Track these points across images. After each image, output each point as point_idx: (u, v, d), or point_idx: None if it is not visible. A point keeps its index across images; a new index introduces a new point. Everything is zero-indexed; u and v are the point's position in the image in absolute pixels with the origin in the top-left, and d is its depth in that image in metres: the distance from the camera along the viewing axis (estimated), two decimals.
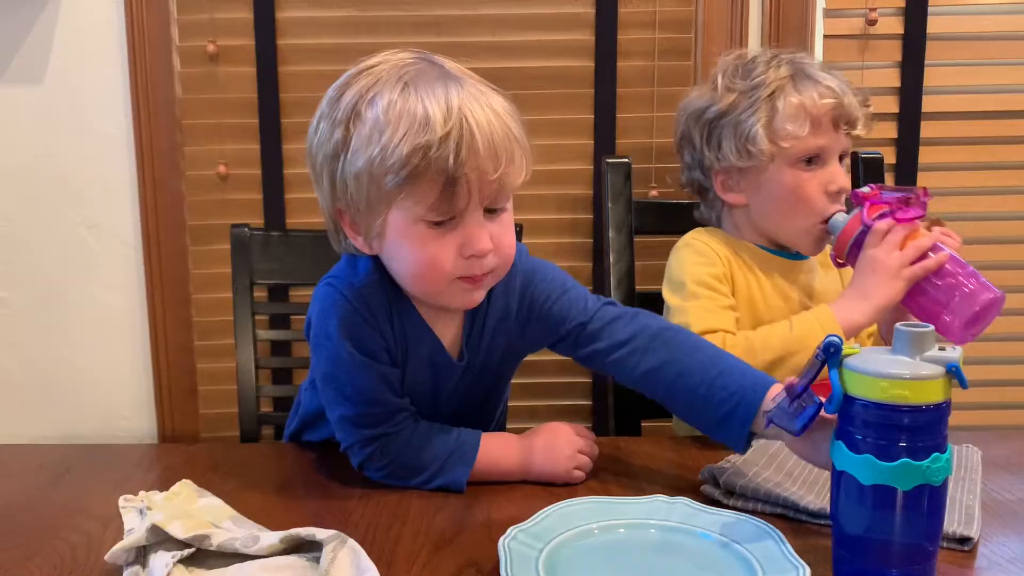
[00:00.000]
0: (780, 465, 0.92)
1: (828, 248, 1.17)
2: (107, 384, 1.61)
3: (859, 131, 1.17)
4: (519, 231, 1.41)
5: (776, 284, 1.19)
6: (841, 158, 1.17)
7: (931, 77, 1.56)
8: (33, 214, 1.55)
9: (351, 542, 0.72)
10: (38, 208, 1.55)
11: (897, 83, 1.56)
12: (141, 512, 0.82)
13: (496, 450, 0.95)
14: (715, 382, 0.89)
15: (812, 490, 0.87)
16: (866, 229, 1.07)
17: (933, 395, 0.68)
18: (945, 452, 0.69)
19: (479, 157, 0.83)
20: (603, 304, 0.99)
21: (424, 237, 0.86)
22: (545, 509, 0.80)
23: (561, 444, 0.95)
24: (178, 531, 0.74)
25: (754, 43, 1.54)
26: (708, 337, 1.04)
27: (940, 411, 0.69)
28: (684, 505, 0.82)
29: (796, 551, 0.72)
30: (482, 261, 0.88)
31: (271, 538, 0.73)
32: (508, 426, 1.41)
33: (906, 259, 1.03)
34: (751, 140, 1.14)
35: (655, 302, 1.35)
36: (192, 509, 0.81)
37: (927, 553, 0.71)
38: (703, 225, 1.27)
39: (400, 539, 0.81)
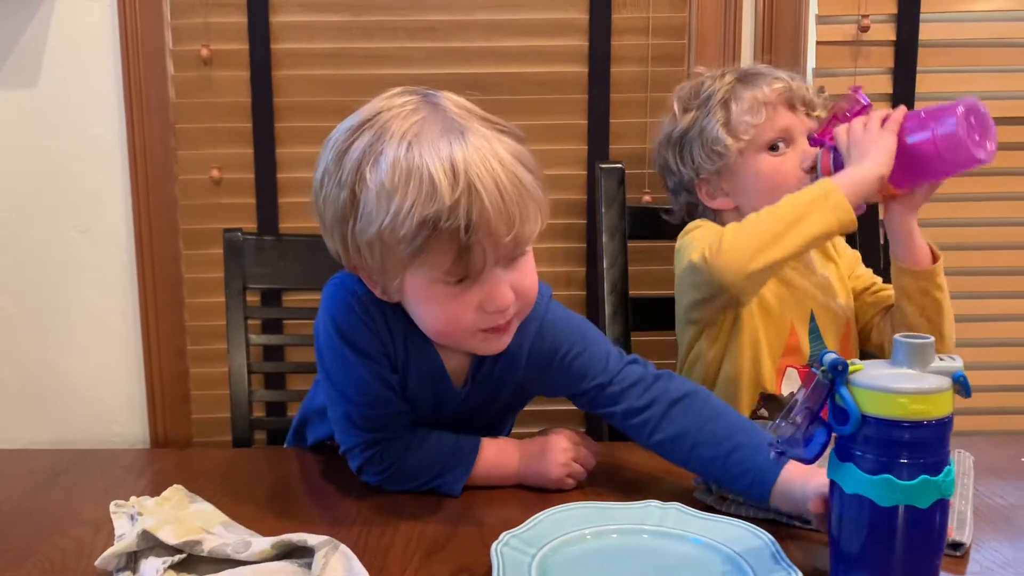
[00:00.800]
0: None
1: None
2: (99, 388, 1.60)
3: (819, 112, 1.21)
4: None
5: (780, 278, 1.20)
6: (809, 136, 1.21)
7: (923, 83, 1.57)
8: (26, 218, 1.55)
9: (343, 548, 0.71)
10: (31, 212, 1.55)
11: (890, 89, 1.57)
12: (132, 517, 0.81)
13: (494, 456, 0.95)
14: (729, 457, 0.87)
15: None
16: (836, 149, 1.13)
17: (945, 408, 0.66)
18: (951, 464, 0.68)
19: (491, 222, 0.80)
20: (626, 364, 0.96)
21: (443, 296, 0.84)
22: (538, 514, 0.80)
23: (556, 451, 0.95)
24: (169, 537, 0.73)
25: (747, 49, 1.54)
26: (717, 235, 1.08)
27: (949, 423, 0.67)
28: (677, 511, 0.82)
29: (788, 557, 0.72)
30: (504, 314, 0.86)
31: (263, 544, 0.73)
32: None
33: (878, 121, 1.08)
34: (716, 142, 1.19)
35: (649, 307, 1.35)
36: (183, 514, 0.81)
37: (934, 566, 0.69)
38: None
39: (392, 544, 0.81)
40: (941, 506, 0.67)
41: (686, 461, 0.91)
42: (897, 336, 0.69)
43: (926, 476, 0.66)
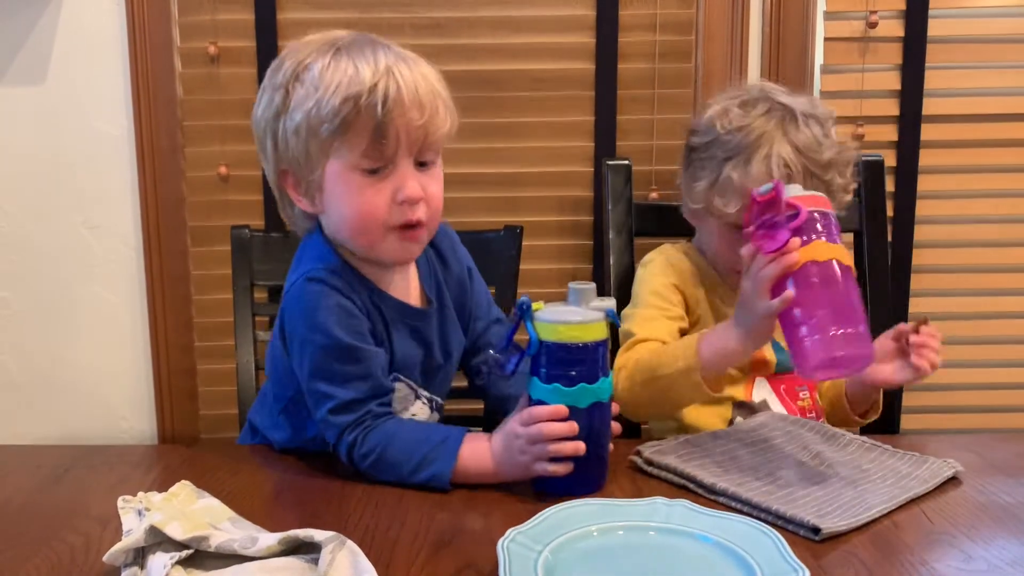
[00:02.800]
0: (696, 453, 0.97)
1: None
2: (107, 385, 1.61)
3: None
4: (519, 233, 1.41)
5: (728, 287, 1.20)
6: None
7: (932, 80, 1.56)
8: (34, 215, 1.56)
9: (350, 543, 0.72)
10: (39, 208, 1.55)
11: (897, 86, 1.56)
12: (140, 513, 0.82)
13: (475, 451, 0.93)
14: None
15: (711, 472, 0.92)
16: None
17: (596, 334, 0.88)
18: (608, 376, 0.90)
19: (404, 106, 0.91)
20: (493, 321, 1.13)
21: (359, 185, 0.93)
22: (544, 511, 0.80)
23: (513, 450, 0.91)
24: (176, 532, 0.74)
25: (755, 46, 1.54)
26: (637, 345, 1.11)
27: (603, 346, 0.89)
28: (683, 507, 0.82)
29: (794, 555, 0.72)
30: (414, 208, 0.95)
31: (269, 539, 0.73)
32: None
33: (760, 288, 0.92)
34: (693, 192, 1.16)
35: None
36: (190, 510, 0.81)
37: (600, 457, 0.91)
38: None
39: (399, 540, 0.81)
40: (598, 408, 0.89)
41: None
42: (571, 283, 0.91)
43: (584, 384, 0.88)
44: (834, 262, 0.89)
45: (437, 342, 1.05)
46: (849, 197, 1.15)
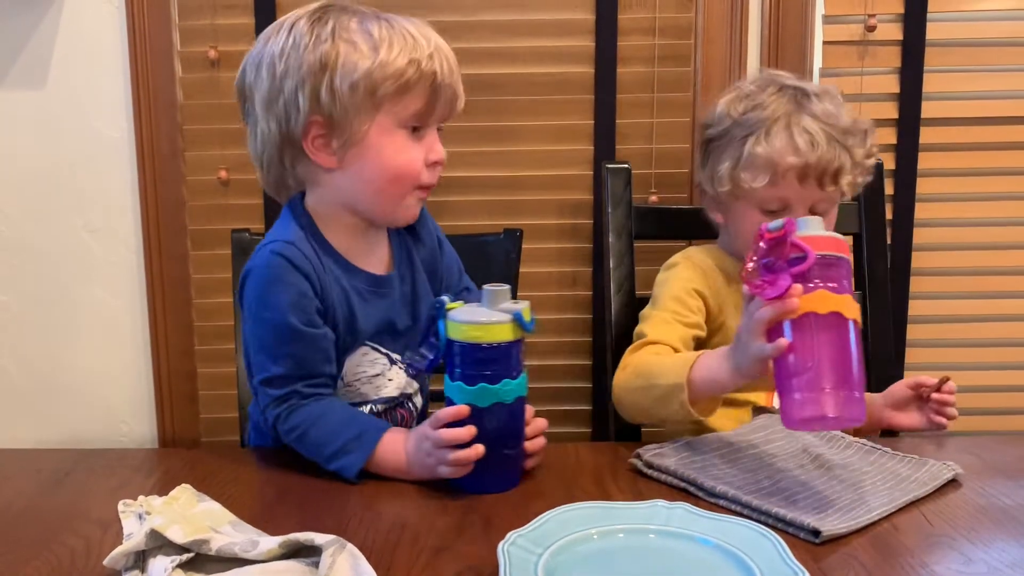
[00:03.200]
0: (696, 456, 0.97)
1: None
2: (107, 388, 1.61)
3: (844, 187, 1.13)
4: (519, 236, 1.41)
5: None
6: (819, 212, 1.12)
7: (930, 83, 1.57)
8: (35, 218, 1.56)
9: (350, 547, 0.72)
10: (40, 212, 1.56)
11: (896, 89, 1.57)
12: (140, 517, 0.82)
13: (391, 448, 0.95)
14: None
15: (711, 475, 0.92)
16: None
17: (501, 336, 0.89)
18: (516, 379, 0.91)
19: (454, 75, 1.01)
20: (463, 289, 1.17)
21: (404, 142, 1.00)
22: (544, 514, 0.80)
23: (422, 452, 0.93)
24: (177, 536, 0.74)
25: (753, 49, 1.54)
26: (646, 347, 1.11)
27: (509, 347, 0.90)
28: (683, 510, 0.82)
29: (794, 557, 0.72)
30: (436, 171, 1.03)
31: (270, 543, 0.73)
32: None
33: (755, 330, 0.88)
34: (717, 177, 1.16)
35: None
36: (191, 514, 0.81)
37: (506, 457, 0.92)
38: (707, 223, 1.29)
39: (399, 544, 0.81)
40: (501, 408, 0.90)
41: None
42: (484, 285, 0.92)
43: (485, 384, 0.89)
44: (838, 316, 0.83)
45: (403, 306, 1.08)
46: (872, 162, 1.17)
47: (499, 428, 0.92)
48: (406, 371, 1.08)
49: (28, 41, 1.51)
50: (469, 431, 0.90)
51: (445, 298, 0.92)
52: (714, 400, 1.00)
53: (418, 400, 1.13)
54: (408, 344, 1.09)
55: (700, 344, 1.17)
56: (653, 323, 1.15)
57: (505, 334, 0.90)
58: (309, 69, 0.97)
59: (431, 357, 0.95)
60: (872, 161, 1.17)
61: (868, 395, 1.14)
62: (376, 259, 1.08)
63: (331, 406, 1.00)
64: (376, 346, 1.07)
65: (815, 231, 0.87)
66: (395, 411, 1.10)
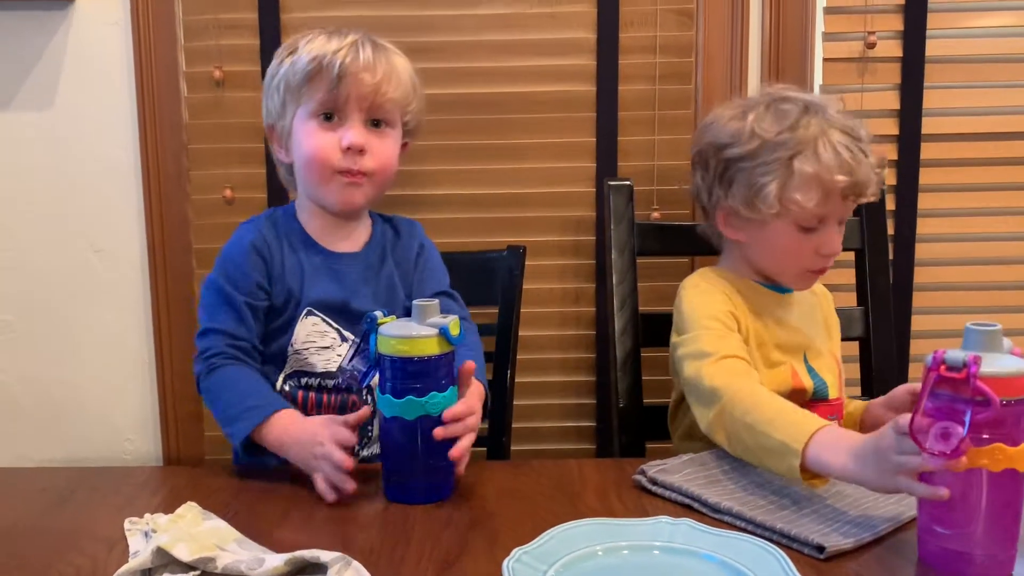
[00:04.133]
0: (700, 472, 0.98)
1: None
2: (112, 407, 1.61)
3: (869, 198, 1.16)
4: (522, 253, 1.42)
5: (771, 318, 1.20)
6: (841, 222, 1.17)
7: (930, 99, 1.57)
8: (40, 238, 1.57)
9: (355, 564, 0.72)
10: (45, 232, 1.57)
11: (896, 105, 1.58)
12: (146, 535, 0.82)
13: (281, 425, 1.02)
14: None
15: (715, 491, 0.92)
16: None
17: (426, 349, 0.93)
18: (444, 392, 0.94)
19: (358, 67, 1.12)
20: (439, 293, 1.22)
21: (315, 129, 1.14)
22: (549, 531, 0.80)
23: (311, 444, 0.98)
24: (183, 553, 0.74)
25: (754, 67, 1.55)
26: (726, 361, 1.06)
27: (436, 361, 0.93)
28: (688, 526, 0.82)
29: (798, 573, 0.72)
30: (358, 158, 1.14)
31: (276, 560, 0.73)
32: (512, 447, 1.42)
33: (908, 470, 0.79)
34: (761, 198, 1.13)
35: (658, 323, 1.36)
36: (197, 531, 0.81)
37: (434, 468, 0.95)
38: (706, 239, 1.29)
39: (404, 560, 0.81)
40: (426, 420, 0.93)
41: None
42: (414, 301, 0.96)
43: (412, 397, 0.93)
44: (1012, 473, 0.74)
45: (361, 286, 1.18)
46: (885, 173, 1.21)
47: (427, 440, 0.94)
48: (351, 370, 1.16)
49: (36, 63, 1.52)
50: (347, 462, 0.95)
51: (377, 313, 0.98)
52: (821, 478, 0.92)
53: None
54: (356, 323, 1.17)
55: None
56: (708, 339, 1.11)
57: (431, 348, 0.93)
58: (264, 84, 1.20)
59: (363, 369, 1.02)
60: (884, 172, 1.19)
61: (873, 401, 1.15)
62: (348, 243, 1.21)
63: (245, 373, 1.10)
64: (326, 319, 1.16)
65: (1003, 368, 0.74)
66: (347, 395, 1.15)
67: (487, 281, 1.42)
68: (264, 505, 0.95)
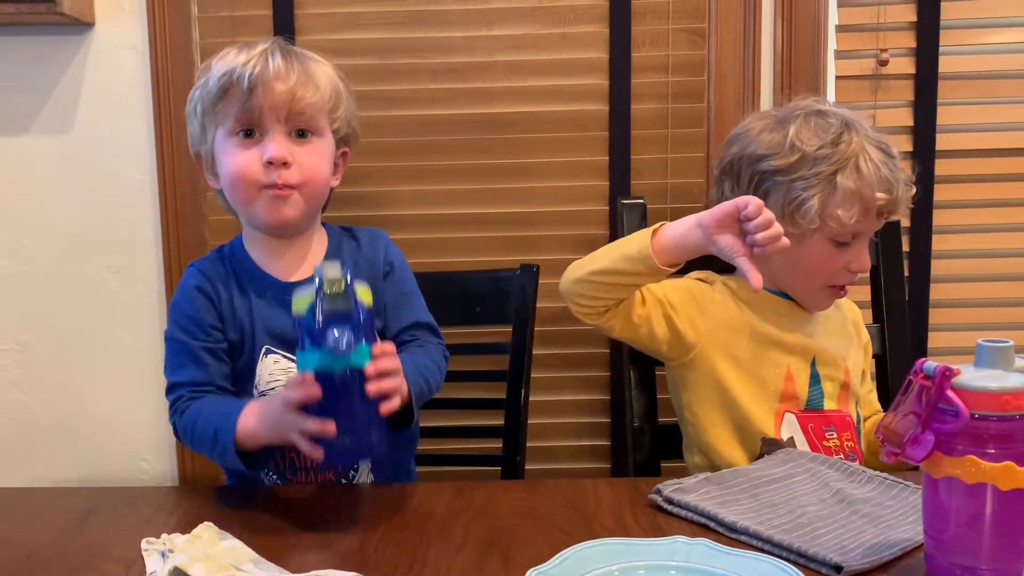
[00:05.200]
0: (716, 492, 0.97)
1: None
2: (129, 427, 1.62)
3: (899, 217, 1.19)
4: (536, 272, 1.42)
5: (779, 317, 1.20)
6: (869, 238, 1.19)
7: (944, 116, 1.57)
8: (58, 258, 1.58)
9: None
10: (63, 252, 1.58)
11: (910, 122, 1.58)
12: (163, 555, 0.82)
13: (247, 419, 1.00)
14: None
15: (732, 510, 0.91)
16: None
17: (303, 306, 0.89)
18: (361, 345, 0.89)
19: (268, 76, 1.07)
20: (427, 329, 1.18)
21: (235, 147, 1.09)
22: (564, 551, 0.80)
23: (272, 415, 0.96)
24: (200, 573, 0.74)
25: (766, 85, 1.55)
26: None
27: (346, 316, 0.89)
28: (704, 546, 0.81)
29: None
30: (282, 172, 1.08)
31: None
32: (527, 467, 1.42)
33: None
34: (802, 212, 1.13)
35: None
36: (214, 551, 0.81)
37: (364, 423, 0.91)
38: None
39: None
40: (336, 377, 0.89)
41: None
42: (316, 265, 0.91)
43: (318, 352, 0.89)
44: (988, 488, 0.73)
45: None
46: (913, 190, 1.19)
47: (337, 397, 0.90)
48: None
49: (55, 87, 1.54)
50: (310, 390, 0.90)
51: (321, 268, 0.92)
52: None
53: None
54: None
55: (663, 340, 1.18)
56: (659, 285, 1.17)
57: (301, 305, 0.90)
58: (186, 114, 1.16)
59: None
60: (912, 190, 1.19)
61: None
62: (302, 268, 1.15)
63: (206, 401, 1.07)
64: (287, 355, 1.12)
65: (979, 382, 0.75)
66: None
67: (501, 300, 1.43)
68: (280, 525, 0.95)
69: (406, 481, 1.21)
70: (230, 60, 1.09)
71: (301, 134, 1.11)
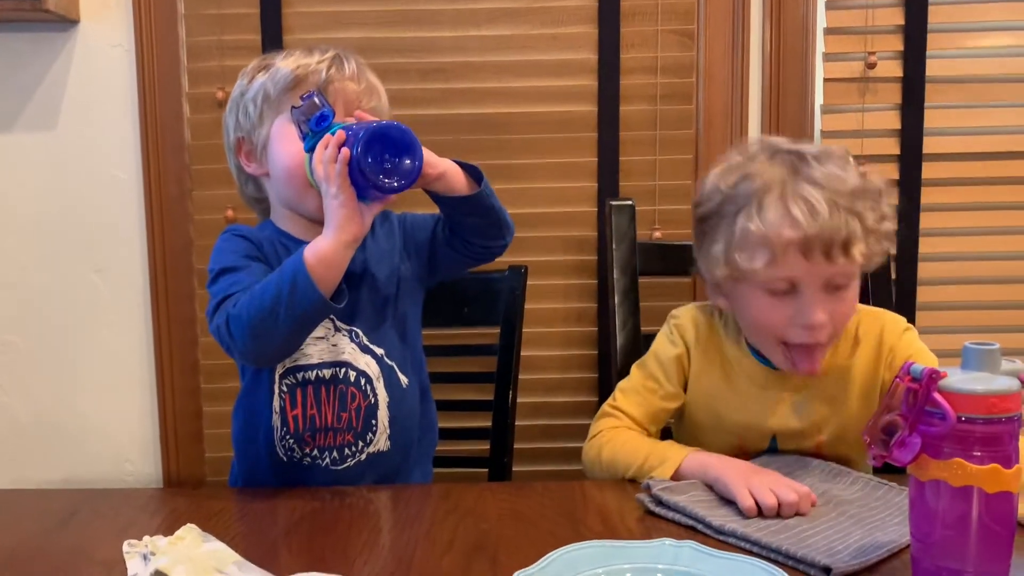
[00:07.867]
0: (704, 494, 0.96)
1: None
2: (113, 428, 1.61)
3: (857, 258, 0.98)
4: (524, 273, 1.41)
5: (744, 386, 1.12)
6: (837, 287, 1.00)
7: (931, 119, 1.58)
8: (43, 258, 1.57)
9: None
10: (48, 252, 1.57)
11: (897, 125, 1.58)
12: (145, 557, 0.81)
13: (311, 246, 1.02)
14: None
15: (720, 513, 0.91)
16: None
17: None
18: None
19: (344, 75, 1.13)
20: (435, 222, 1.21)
21: (295, 138, 1.07)
22: (551, 553, 0.79)
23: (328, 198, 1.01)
24: None
25: (755, 88, 1.56)
26: (616, 434, 1.11)
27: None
28: (691, 548, 0.81)
29: None
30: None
31: None
32: (514, 468, 1.41)
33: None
34: (712, 262, 1.04)
35: None
36: (196, 554, 0.81)
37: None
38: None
39: None
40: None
41: None
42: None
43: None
44: (974, 491, 0.72)
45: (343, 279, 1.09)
46: (891, 227, 1.03)
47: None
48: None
49: (40, 85, 1.53)
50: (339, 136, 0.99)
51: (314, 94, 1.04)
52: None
53: (380, 389, 1.13)
54: (350, 313, 1.13)
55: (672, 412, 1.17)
56: (630, 388, 1.16)
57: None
58: (233, 100, 1.18)
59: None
60: (889, 226, 1.02)
61: None
62: None
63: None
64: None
65: (965, 385, 0.75)
66: (347, 389, 1.12)
67: (489, 301, 1.42)
68: (264, 528, 0.95)
69: (423, 482, 1.21)
70: (299, 58, 1.14)
71: None
